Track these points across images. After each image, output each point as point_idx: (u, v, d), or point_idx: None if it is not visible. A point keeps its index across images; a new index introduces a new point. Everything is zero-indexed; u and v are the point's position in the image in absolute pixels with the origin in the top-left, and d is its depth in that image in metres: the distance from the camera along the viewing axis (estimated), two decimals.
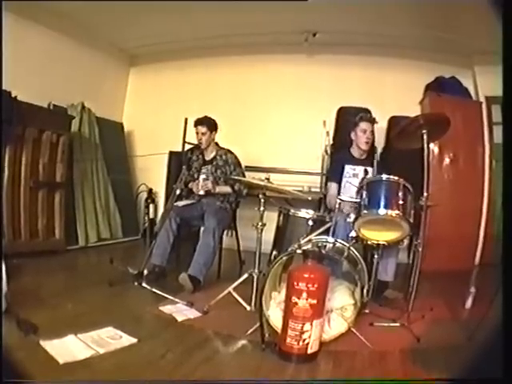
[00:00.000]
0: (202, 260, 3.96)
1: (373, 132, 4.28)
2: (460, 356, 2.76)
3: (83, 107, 5.80)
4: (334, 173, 4.40)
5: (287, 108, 6.41)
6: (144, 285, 3.67)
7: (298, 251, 2.92)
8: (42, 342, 2.49)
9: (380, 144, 5.80)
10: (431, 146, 5.52)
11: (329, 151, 5.48)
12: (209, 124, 4.43)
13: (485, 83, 5.84)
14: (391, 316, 3.49)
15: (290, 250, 3.05)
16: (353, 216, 3.36)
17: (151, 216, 6.16)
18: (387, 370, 2.72)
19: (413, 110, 5.69)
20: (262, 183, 3.54)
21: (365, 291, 3.18)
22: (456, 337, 3.22)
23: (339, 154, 4.67)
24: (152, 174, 6.55)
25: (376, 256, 3.60)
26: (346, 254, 3.18)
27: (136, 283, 3.69)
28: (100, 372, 2.30)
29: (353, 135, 4.33)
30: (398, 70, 6.21)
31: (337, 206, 3.41)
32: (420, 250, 3.47)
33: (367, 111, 5.45)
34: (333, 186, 4.32)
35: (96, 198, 5.84)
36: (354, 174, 4.27)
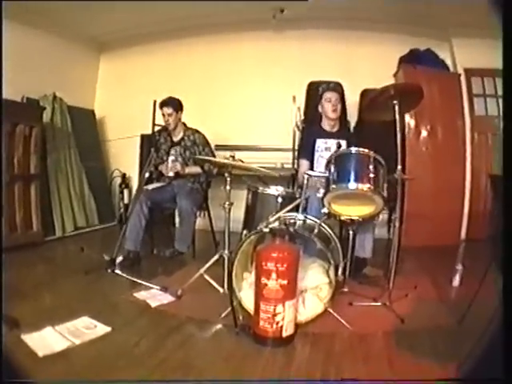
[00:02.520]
0: (184, 234, 4.14)
1: (339, 100, 4.11)
2: (449, 340, 2.65)
3: (55, 97, 5.69)
4: (304, 148, 4.22)
5: (257, 85, 6.22)
6: (117, 271, 3.58)
7: (265, 230, 2.75)
8: (22, 336, 2.46)
9: (353, 118, 5.68)
10: (407, 118, 5.38)
11: (300, 126, 5.32)
12: (174, 105, 4.36)
13: (463, 55, 5.66)
14: (372, 295, 3.33)
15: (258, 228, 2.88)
16: (322, 191, 3.17)
17: (126, 201, 6.07)
18: (369, 353, 2.57)
19: (386, 83, 5.59)
20: (226, 162, 3.37)
21: (340, 269, 3.03)
22: (444, 318, 3.06)
23: (310, 129, 4.54)
24: (125, 159, 6.44)
25: (351, 232, 3.45)
26: (316, 230, 3.00)
27: (109, 270, 3.60)
28: (77, 363, 2.27)
29: (320, 108, 4.17)
30: (370, 43, 5.99)
31: (305, 181, 3.21)
32: (397, 225, 3.28)
33: (337, 83, 5.26)
34: (304, 163, 4.15)
35: (70, 187, 5.72)
36: (326, 148, 4.09)
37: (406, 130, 5.39)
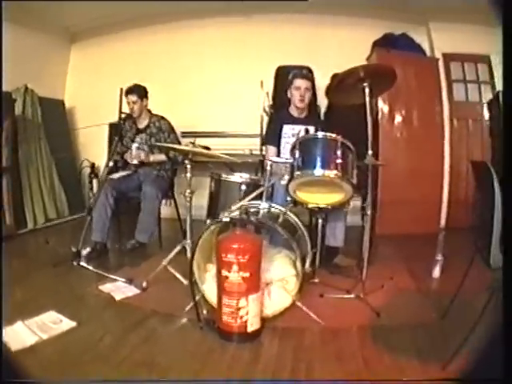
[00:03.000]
0: (147, 223, 4.04)
1: (309, 89, 3.93)
2: (431, 336, 2.51)
3: (26, 89, 5.56)
4: (271, 134, 4.04)
5: (226, 71, 6.04)
6: (82, 264, 3.53)
7: (225, 219, 2.60)
8: None
9: (324, 102, 5.50)
10: (380, 103, 5.24)
11: (268, 112, 5.15)
12: (139, 92, 4.27)
13: (441, 40, 5.50)
14: (344, 286, 3.21)
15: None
16: (287, 178, 3.01)
17: (95, 191, 5.81)
18: (342, 350, 2.42)
19: None
20: (188, 148, 3.23)
21: (308, 260, 2.89)
22: (424, 312, 2.90)
23: (277, 114, 4.39)
24: (94, 149, 6.29)
25: (320, 220, 3.31)
26: (280, 219, 2.85)
27: (75, 263, 3.53)
28: (44, 359, 2.24)
29: (289, 93, 3.99)
30: (342, 27, 5.81)
31: (268, 168, 3.05)
32: (369, 212, 3.17)
33: (308, 69, 5.18)
34: (270, 149, 3.98)
35: (41, 179, 5.59)
36: (293, 135, 3.88)
37: (380, 115, 5.25)
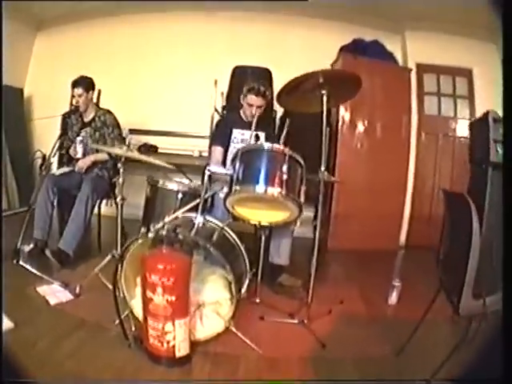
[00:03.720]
0: (72, 231, 3.67)
1: (262, 106, 3.61)
2: (383, 374, 2.27)
3: None
4: (219, 136, 3.76)
5: (181, 67, 5.72)
6: (21, 263, 3.29)
7: (150, 235, 2.36)
8: None
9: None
10: (341, 111, 4.97)
11: (221, 112, 4.96)
12: (84, 85, 3.99)
13: (416, 49, 5.29)
14: (288, 309, 2.96)
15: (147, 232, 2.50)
16: (226, 190, 2.73)
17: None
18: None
19: None
20: (119, 152, 2.99)
21: (244, 283, 2.68)
22: (377, 346, 2.63)
23: (227, 117, 4.15)
24: (47, 140, 5.58)
25: (263, 237, 3.05)
26: (215, 237, 2.59)
27: (14, 261, 3.30)
28: None
29: (242, 101, 3.70)
30: (309, 28, 5.48)
31: (206, 178, 2.74)
32: (318, 227, 2.89)
33: (266, 71, 5.00)
34: (217, 150, 3.69)
35: None
36: (242, 140, 3.67)
37: (340, 123, 4.98)
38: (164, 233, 2.35)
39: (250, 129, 3.51)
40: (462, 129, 5.29)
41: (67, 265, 3.54)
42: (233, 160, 2.79)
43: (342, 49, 5.26)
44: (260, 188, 2.62)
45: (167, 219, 2.57)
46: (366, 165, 4.93)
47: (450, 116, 5.37)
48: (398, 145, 5.09)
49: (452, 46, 5.04)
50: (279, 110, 5.06)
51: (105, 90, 5.20)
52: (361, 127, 5.01)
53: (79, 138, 3.99)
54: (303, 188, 2.75)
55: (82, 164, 3.95)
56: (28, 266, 3.29)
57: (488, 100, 4.83)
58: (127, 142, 4.17)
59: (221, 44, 5.58)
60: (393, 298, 3.35)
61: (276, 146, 2.72)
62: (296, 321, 2.80)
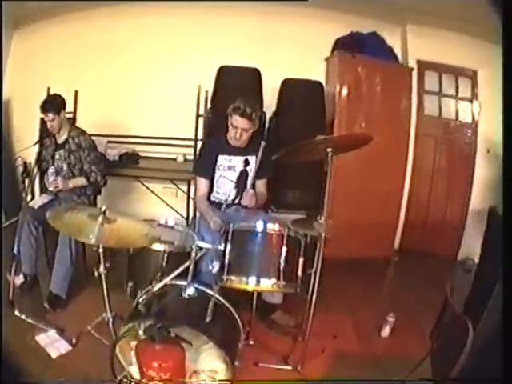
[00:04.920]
0: (61, 274, 3.41)
1: (248, 129, 3.22)
2: None
3: None
4: (203, 165, 3.41)
5: (164, 65, 5.18)
6: (16, 313, 3.09)
7: (140, 332, 2.15)
8: None
9: (271, 107, 4.77)
10: (337, 112, 4.62)
11: (206, 115, 4.62)
12: (54, 107, 3.58)
13: (418, 45, 4.86)
14: (282, 348, 2.89)
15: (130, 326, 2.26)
16: (216, 265, 2.45)
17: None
18: None
19: (315, 69, 4.90)
20: None
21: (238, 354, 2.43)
22: None
23: (212, 142, 3.67)
24: (27, 144, 5.32)
25: None
26: (209, 316, 2.30)
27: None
28: None
29: (228, 121, 3.28)
30: (299, 19, 4.93)
31: (193, 254, 2.42)
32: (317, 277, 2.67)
33: (254, 72, 4.60)
34: (201, 183, 3.39)
35: None
36: (229, 167, 3.35)
37: (336, 126, 4.61)
38: (156, 331, 2.10)
39: (237, 154, 3.28)
40: (463, 132, 5.00)
41: (61, 307, 3.36)
42: (223, 236, 2.52)
43: (338, 42, 4.85)
44: (252, 280, 2.39)
45: (156, 288, 2.40)
46: (363, 169, 4.60)
47: (451, 118, 5.04)
48: (396, 148, 4.76)
49: (457, 45, 4.66)
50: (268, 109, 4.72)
51: (82, 90, 4.87)
52: (356, 129, 4.63)
53: (51, 170, 3.69)
54: (302, 261, 2.51)
55: (55, 186, 3.60)
56: (24, 317, 3.09)
57: (491, 103, 4.54)
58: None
59: (204, 37, 5.06)
60: (385, 332, 3.26)
61: (271, 226, 2.45)
62: (290, 367, 2.72)
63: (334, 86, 4.61)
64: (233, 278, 2.39)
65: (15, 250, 3.38)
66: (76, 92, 4.95)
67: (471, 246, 4.64)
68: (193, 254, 2.39)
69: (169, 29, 5.05)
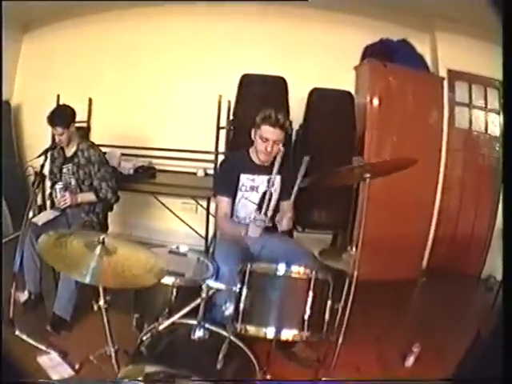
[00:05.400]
0: (65, 296, 3.16)
1: (280, 141, 2.88)
2: None
3: None
4: (223, 184, 3.08)
5: (183, 74, 4.87)
6: (17, 334, 2.86)
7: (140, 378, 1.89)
8: None
9: (298, 118, 4.47)
10: (368, 127, 4.30)
11: (230, 127, 4.31)
12: (64, 121, 3.38)
13: (448, 53, 4.54)
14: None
15: None
16: (230, 307, 2.20)
17: (40, 203, 4.79)
18: None
19: (343, 79, 4.58)
20: None
21: None
22: None
23: (233, 157, 3.33)
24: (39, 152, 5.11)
25: None
26: (222, 353, 1.95)
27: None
28: None
29: (253, 135, 2.97)
30: (326, 25, 4.63)
31: (204, 292, 2.11)
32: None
33: (280, 80, 4.31)
34: (223, 202, 3.04)
35: None
36: (252, 187, 3.02)
37: (367, 140, 4.31)
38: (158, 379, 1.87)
39: (261, 173, 2.97)
40: (492, 145, 4.70)
41: (65, 330, 3.15)
42: (241, 273, 2.23)
43: (367, 49, 4.56)
44: (271, 331, 2.10)
45: (162, 326, 2.13)
46: (392, 185, 4.11)
47: (481, 131, 4.73)
48: (427, 162, 4.37)
49: (484, 54, 4.27)
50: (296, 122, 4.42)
51: (96, 98, 4.70)
52: (388, 144, 4.34)
53: (59, 186, 3.42)
54: (329, 304, 2.22)
55: (64, 202, 3.37)
56: (25, 337, 2.87)
57: None
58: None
59: (227, 44, 4.75)
60: (410, 362, 3.01)
61: (296, 269, 2.15)
62: None
63: (365, 97, 4.31)
64: (248, 327, 2.12)
65: (15, 268, 3.11)
66: (90, 100, 4.76)
67: (494, 264, 4.49)
68: (203, 295, 2.09)
69: (190, 35, 4.77)
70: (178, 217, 4.56)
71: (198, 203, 4.48)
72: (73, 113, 3.47)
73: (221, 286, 2.13)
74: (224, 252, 2.74)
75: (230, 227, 2.94)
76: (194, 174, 4.57)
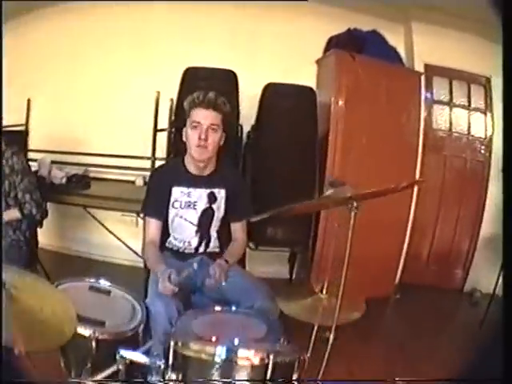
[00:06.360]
0: None
1: (217, 127, 2.21)
2: None
3: None
4: (152, 200, 2.38)
5: (121, 70, 4.19)
6: None
7: None
8: None
9: (249, 121, 3.84)
10: (333, 127, 3.70)
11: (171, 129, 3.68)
12: None
13: (425, 46, 4.02)
14: None
15: None
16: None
17: None
18: None
19: (303, 73, 3.99)
20: None
21: None
22: None
23: (164, 168, 2.64)
24: None
25: None
26: None
27: None
28: None
29: (185, 135, 2.30)
30: (283, 13, 3.98)
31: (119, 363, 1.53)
32: None
33: (229, 74, 3.64)
34: (150, 226, 2.35)
35: None
36: (188, 204, 2.31)
37: (331, 140, 3.68)
38: None
39: (198, 186, 2.30)
40: (475, 148, 4.23)
41: None
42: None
43: (331, 40, 3.98)
44: None
45: None
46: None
47: (462, 132, 4.24)
48: (401, 168, 3.83)
49: (468, 48, 3.92)
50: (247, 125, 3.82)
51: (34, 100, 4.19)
52: (357, 147, 3.73)
53: None
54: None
55: None
56: None
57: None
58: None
59: (169, 36, 4.12)
60: None
61: (244, 354, 1.50)
62: None
63: (329, 93, 3.68)
64: None
65: None
66: (29, 101, 4.18)
67: (477, 276, 4.16)
68: (119, 367, 1.52)
69: (130, 28, 4.15)
70: (112, 233, 3.89)
71: (139, 216, 3.83)
72: None
73: (139, 358, 1.54)
74: (156, 286, 2.04)
75: (152, 260, 2.25)
76: (133, 182, 3.93)
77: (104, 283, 2.10)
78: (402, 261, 4.16)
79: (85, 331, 1.73)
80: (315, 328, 1.73)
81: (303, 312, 1.77)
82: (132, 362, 1.54)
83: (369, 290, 3.52)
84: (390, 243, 3.94)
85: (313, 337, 1.74)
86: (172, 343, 1.49)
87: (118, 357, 1.49)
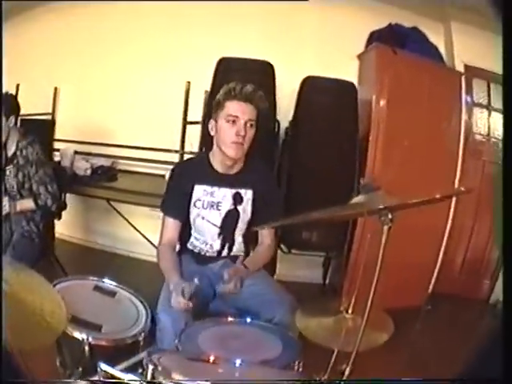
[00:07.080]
0: None
1: (252, 123, 1.99)
2: None
3: None
4: (172, 198, 2.17)
5: (152, 61, 4.00)
6: None
7: None
8: None
9: (286, 116, 3.60)
10: (373, 129, 3.46)
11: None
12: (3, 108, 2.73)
13: (465, 47, 3.75)
14: None
15: None
16: None
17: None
18: None
19: (344, 68, 3.72)
20: None
21: None
22: None
23: (188, 164, 2.40)
24: None
25: None
26: None
27: None
28: None
29: (213, 128, 2.06)
30: (325, 6, 3.74)
31: None
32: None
33: (266, 65, 3.38)
34: (168, 226, 2.14)
35: None
36: (211, 204, 2.10)
37: (372, 139, 3.45)
38: None
39: (223, 185, 2.08)
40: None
41: None
42: None
43: (373, 35, 3.75)
44: None
45: None
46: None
47: (500, 138, 3.94)
48: (442, 173, 3.64)
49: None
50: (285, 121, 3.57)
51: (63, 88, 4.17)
52: (398, 150, 3.50)
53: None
54: None
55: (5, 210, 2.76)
56: None
57: None
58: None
59: (203, 26, 3.89)
60: None
61: None
62: None
63: (370, 90, 3.46)
64: None
65: None
66: (56, 89, 4.07)
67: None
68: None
69: (161, 18, 3.95)
70: (135, 228, 3.68)
71: None
72: (16, 103, 2.90)
73: (119, 375, 1.30)
74: (168, 293, 1.84)
75: (165, 266, 2.02)
76: (163, 176, 3.68)
77: (109, 283, 1.95)
78: (436, 270, 3.93)
79: (79, 335, 1.59)
80: (334, 354, 1.50)
81: (322, 333, 1.52)
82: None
83: (400, 300, 3.39)
84: (425, 251, 3.72)
85: (329, 367, 1.50)
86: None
87: (98, 369, 1.32)
